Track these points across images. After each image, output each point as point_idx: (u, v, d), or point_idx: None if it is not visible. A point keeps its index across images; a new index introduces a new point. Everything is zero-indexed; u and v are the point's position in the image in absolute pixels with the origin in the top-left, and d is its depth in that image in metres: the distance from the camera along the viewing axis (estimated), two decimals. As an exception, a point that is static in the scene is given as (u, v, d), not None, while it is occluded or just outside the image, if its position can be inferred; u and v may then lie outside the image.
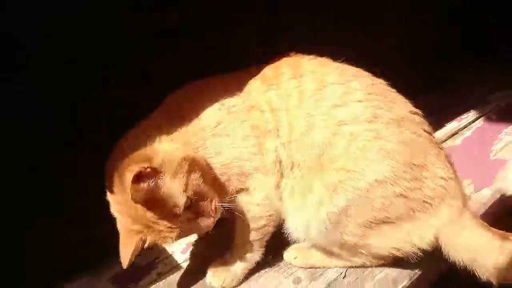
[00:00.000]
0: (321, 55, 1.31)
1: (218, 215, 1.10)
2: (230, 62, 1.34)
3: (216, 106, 1.17)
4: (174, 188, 1.02)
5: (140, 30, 1.37)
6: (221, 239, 1.27)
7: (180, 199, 1.03)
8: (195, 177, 1.07)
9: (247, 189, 1.19)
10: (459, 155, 1.78)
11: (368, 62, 1.92)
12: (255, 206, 1.20)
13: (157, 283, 1.26)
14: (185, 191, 1.03)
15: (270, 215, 1.21)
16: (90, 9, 1.28)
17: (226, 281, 1.22)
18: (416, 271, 1.22)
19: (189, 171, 1.06)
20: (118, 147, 1.11)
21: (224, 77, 1.26)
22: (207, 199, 1.08)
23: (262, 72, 1.24)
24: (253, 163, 1.16)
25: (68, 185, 1.32)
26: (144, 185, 0.98)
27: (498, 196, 1.51)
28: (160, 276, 1.28)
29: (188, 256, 1.36)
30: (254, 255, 1.25)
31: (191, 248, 1.38)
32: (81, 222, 1.32)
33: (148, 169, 0.98)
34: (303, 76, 1.19)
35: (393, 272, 1.22)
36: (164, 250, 1.38)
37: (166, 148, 1.08)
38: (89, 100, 1.34)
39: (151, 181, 0.99)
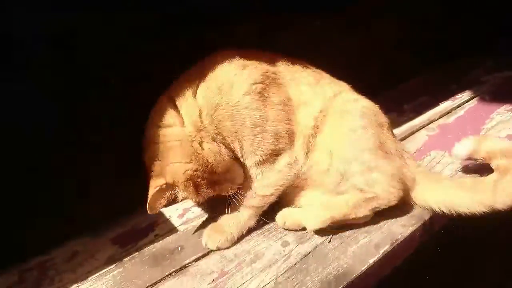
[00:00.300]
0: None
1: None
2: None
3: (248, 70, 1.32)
4: (188, 197, 1.30)
5: (140, 30, 1.39)
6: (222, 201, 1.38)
7: (196, 201, 1.34)
8: (203, 187, 1.27)
9: (276, 153, 1.31)
10: (451, 132, 1.84)
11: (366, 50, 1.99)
12: (275, 173, 1.32)
13: (154, 244, 1.34)
14: (197, 201, 1.34)
15: (281, 185, 1.34)
16: (90, 9, 1.29)
17: (221, 242, 1.30)
18: (399, 237, 1.30)
19: (196, 188, 1.26)
20: (152, 113, 1.33)
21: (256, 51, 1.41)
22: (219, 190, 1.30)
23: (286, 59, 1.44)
24: (286, 126, 1.33)
25: (68, 185, 1.37)
26: (162, 200, 1.26)
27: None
28: (157, 237, 1.37)
29: (184, 220, 1.44)
30: (250, 221, 1.34)
31: (188, 213, 1.47)
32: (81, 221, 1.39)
33: (164, 185, 1.23)
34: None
35: (376, 237, 1.30)
36: (162, 214, 1.47)
37: (173, 169, 1.25)
38: (89, 100, 1.36)
39: (170, 192, 1.26)
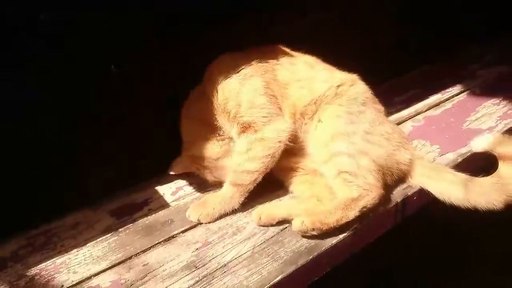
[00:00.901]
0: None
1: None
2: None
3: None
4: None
5: (140, 30, 1.46)
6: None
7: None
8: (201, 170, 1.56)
9: (266, 121, 1.41)
10: (435, 124, 1.92)
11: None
12: (259, 142, 1.40)
13: (147, 217, 1.48)
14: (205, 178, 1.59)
15: (267, 155, 1.40)
16: (90, 9, 1.35)
17: (202, 216, 1.41)
18: (370, 215, 1.40)
19: (197, 168, 1.57)
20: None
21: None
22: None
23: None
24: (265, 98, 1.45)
25: (68, 185, 1.46)
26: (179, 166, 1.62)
27: (460, 160, 1.65)
28: (150, 211, 1.50)
29: (177, 197, 1.58)
30: (234, 200, 1.43)
31: (180, 191, 1.61)
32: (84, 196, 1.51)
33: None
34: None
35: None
36: (157, 191, 1.60)
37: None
38: (89, 100, 1.42)
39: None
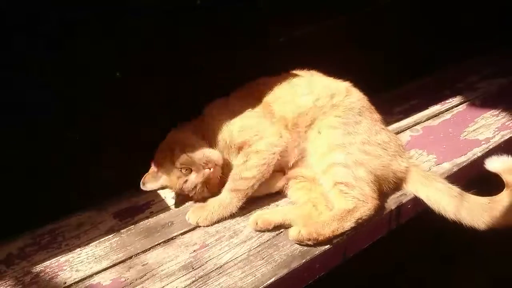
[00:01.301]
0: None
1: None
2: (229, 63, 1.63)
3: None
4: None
5: (140, 31, 1.50)
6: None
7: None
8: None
9: (259, 138, 1.53)
10: (433, 134, 1.95)
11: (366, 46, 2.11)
12: (254, 154, 1.50)
13: (149, 219, 1.54)
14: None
15: (263, 164, 1.49)
16: (90, 9, 1.38)
17: (201, 219, 1.47)
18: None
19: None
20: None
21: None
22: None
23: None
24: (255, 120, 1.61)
25: (73, 187, 1.52)
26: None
27: (455, 169, 1.68)
28: (152, 214, 1.57)
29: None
30: (232, 205, 1.49)
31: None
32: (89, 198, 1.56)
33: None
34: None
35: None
36: (158, 194, 1.65)
37: None
38: (89, 100, 1.45)
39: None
